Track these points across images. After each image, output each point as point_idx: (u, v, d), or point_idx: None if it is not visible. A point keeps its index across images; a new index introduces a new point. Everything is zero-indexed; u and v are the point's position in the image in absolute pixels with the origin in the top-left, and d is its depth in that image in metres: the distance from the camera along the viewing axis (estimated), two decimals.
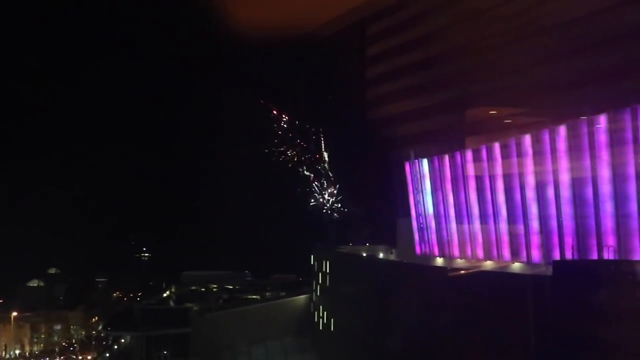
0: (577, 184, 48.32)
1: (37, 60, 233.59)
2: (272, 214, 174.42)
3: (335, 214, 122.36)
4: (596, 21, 60.50)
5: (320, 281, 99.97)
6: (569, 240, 49.04)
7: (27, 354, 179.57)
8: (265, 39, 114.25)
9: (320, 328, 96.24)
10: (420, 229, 73.43)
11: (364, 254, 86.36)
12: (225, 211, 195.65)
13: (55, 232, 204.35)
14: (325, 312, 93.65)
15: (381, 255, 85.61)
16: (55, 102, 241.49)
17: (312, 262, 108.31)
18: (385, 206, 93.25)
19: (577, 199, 48.37)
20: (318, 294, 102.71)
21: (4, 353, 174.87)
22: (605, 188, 45.91)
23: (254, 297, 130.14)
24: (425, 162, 70.74)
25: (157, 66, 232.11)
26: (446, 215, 67.15)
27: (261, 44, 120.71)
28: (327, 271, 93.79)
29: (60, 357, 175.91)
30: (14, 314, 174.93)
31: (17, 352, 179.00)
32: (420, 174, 71.62)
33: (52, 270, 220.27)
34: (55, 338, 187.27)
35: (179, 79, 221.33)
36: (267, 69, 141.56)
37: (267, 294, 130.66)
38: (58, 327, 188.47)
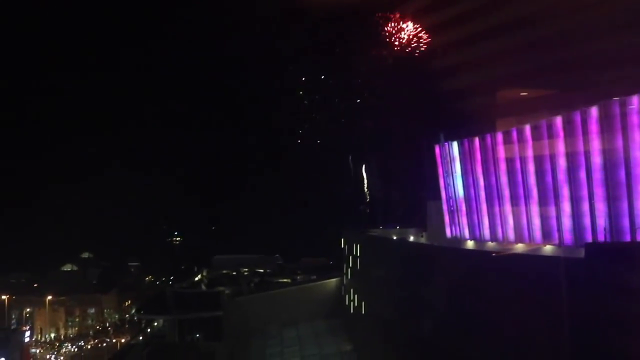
0: (609, 166, 47.90)
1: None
2: (303, 198, 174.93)
3: (366, 198, 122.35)
4: (630, 2, 59.74)
5: (350, 264, 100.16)
6: (601, 222, 48.70)
7: (61, 337, 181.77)
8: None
9: (351, 311, 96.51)
10: (451, 212, 73.26)
11: (395, 237, 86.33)
12: (256, 195, 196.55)
13: (88, 217, 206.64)
14: (356, 295, 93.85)
15: (412, 238, 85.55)
16: (96, 88, 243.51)
17: (342, 246, 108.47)
18: (416, 189, 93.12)
19: (609, 180, 47.97)
20: (349, 277, 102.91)
21: (39, 336, 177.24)
22: (638, 170, 45.48)
23: (285, 280, 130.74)
24: (455, 144, 70.45)
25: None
26: (477, 198, 66.92)
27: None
28: (358, 254, 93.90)
29: (94, 340, 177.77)
30: (49, 297, 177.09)
31: (52, 335, 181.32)
32: (450, 156, 71.37)
33: (86, 255, 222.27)
34: (90, 321, 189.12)
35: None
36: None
37: (298, 278, 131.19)
38: (92, 310, 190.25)
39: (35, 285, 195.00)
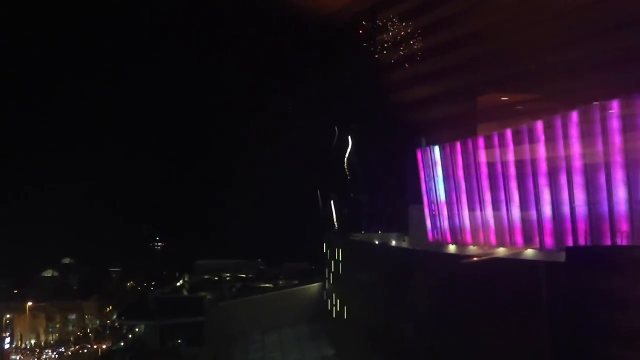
0: (589, 170, 48.14)
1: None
2: (285, 203, 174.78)
3: (347, 202, 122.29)
4: (608, 6, 60.11)
5: (333, 269, 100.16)
6: (582, 226, 48.92)
7: (42, 343, 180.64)
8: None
9: (334, 316, 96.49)
10: (433, 216, 73.38)
11: (377, 242, 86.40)
12: (239, 200, 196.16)
13: (68, 223, 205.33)
14: (338, 300, 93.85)
15: (394, 242, 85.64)
16: (72, 96, 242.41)
17: (324, 250, 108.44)
18: (397, 193, 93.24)
19: (590, 185, 48.20)
20: (331, 282, 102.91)
21: (19, 342, 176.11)
22: (618, 174, 45.71)
23: (267, 285, 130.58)
24: (436, 149, 70.60)
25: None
26: (458, 202, 67.06)
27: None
28: (340, 259, 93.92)
29: (75, 347, 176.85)
30: (29, 303, 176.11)
31: (33, 341, 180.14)
32: (432, 160, 71.51)
33: (66, 260, 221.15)
34: (70, 328, 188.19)
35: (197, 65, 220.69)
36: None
37: (280, 283, 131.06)
38: (73, 316, 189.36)
39: (15, 291, 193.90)
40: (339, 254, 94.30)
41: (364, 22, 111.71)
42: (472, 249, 64.00)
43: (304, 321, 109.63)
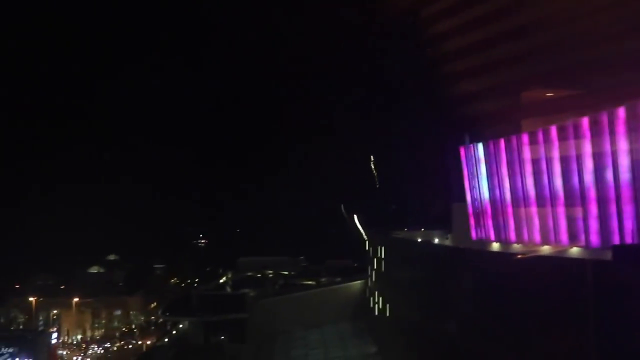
0: (636, 167, 47.30)
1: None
2: (329, 200, 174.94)
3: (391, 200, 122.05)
4: None
5: (375, 267, 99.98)
6: (628, 224, 48.09)
7: (88, 338, 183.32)
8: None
9: (376, 313, 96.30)
10: (476, 214, 72.77)
11: (419, 240, 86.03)
12: (283, 197, 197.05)
13: (114, 220, 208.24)
14: (380, 298, 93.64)
15: (436, 240, 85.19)
16: (121, 97, 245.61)
17: (367, 248, 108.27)
18: (441, 191, 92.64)
19: (637, 182, 47.36)
20: (373, 279, 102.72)
21: (66, 338, 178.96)
22: None
23: (310, 282, 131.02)
24: (480, 146, 70.00)
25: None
26: (502, 200, 66.39)
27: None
28: (382, 257, 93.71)
29: (120, 342, 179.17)
30: (76, 299, 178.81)
31: (79, 337, 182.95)
32: (475, 158, 70.91)
33: (112, 257, 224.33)
34: (116, 323, 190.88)
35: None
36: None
37: (323, 280, 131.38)
38: (118, 312, 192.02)
39: (62, 287, 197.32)
40: (382, 252, 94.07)
41: (407, 16, 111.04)
42: (516, 247, 63.33)
43: (346, 318, 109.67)
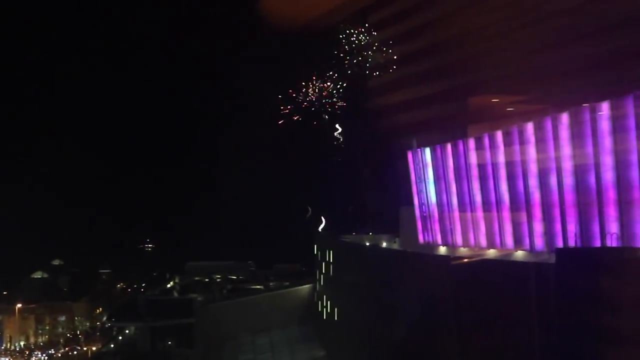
0: (579, 172, 48.20)
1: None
2: (276, 204, 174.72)
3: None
4: (598, 7, 60.31)
5: (323, 271, 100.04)
6: (572, 227, 48.96)
7: (32, 345, 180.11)
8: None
9: (324, 317, 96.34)
10: (423, 218, 73.38)
11: (367, 243, 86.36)
12: (229, 201, 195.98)
13: (58, 224, 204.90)
14: (328, 302, 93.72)
15: (384, 244, 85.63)
16: (56, 95, 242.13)
17: (315, 252, 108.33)
18: (388, 195, 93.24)
19: (580, 186, 48.26)
20: (321, 283, 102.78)
21: (9, 344, 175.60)
22: (608, 175, 45.78)
23: (258, 287, 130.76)
24: (427, 150, 70.63)
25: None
26: (449, 204, 67.08)
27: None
28: (331, 261, 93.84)
29: (64, 348, 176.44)
30: (19, 305, 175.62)
31: (22, 343, 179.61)
32: (422, 162, 71.51)
33: (56, 262, 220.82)
34: (60, 329, 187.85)
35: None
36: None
37: (271, 284, 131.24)
38: (62, 318, 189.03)
39: (4, 292, 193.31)
40: (330, 256, 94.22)
41: (348, 25, 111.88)
42: (463, 250, 64.04)
43: (295, 323, 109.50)
